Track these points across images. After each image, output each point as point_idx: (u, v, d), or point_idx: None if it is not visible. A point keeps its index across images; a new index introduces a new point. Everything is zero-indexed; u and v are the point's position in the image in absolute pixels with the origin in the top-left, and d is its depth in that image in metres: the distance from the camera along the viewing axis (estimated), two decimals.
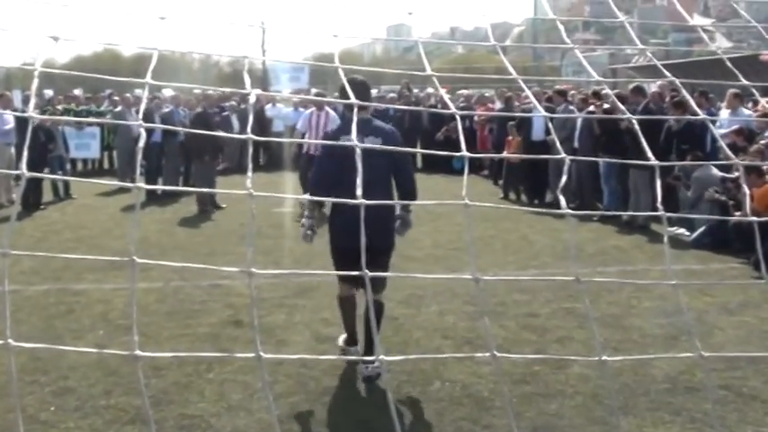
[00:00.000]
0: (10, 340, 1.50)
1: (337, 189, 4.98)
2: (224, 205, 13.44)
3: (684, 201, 11.12)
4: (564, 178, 1.99)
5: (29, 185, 13.34)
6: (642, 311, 7.18)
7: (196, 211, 13.02)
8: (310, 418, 4.91)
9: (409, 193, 5.59)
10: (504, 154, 14.56)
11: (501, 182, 15.54)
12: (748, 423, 4.80)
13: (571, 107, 13.63)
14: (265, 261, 8.61)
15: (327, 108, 12.43)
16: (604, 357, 1.79)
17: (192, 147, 14.00)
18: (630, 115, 2.24)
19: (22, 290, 7.70)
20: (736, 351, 6.00)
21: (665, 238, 2.22)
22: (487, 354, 1.74)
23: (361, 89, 5.21)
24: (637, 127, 2.20)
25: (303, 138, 12.40)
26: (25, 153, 1.78)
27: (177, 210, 13.59)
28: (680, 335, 6.41)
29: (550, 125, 2.47)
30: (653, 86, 13.25)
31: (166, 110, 15.42)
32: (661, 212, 1.99)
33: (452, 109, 2.24)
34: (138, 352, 1.59)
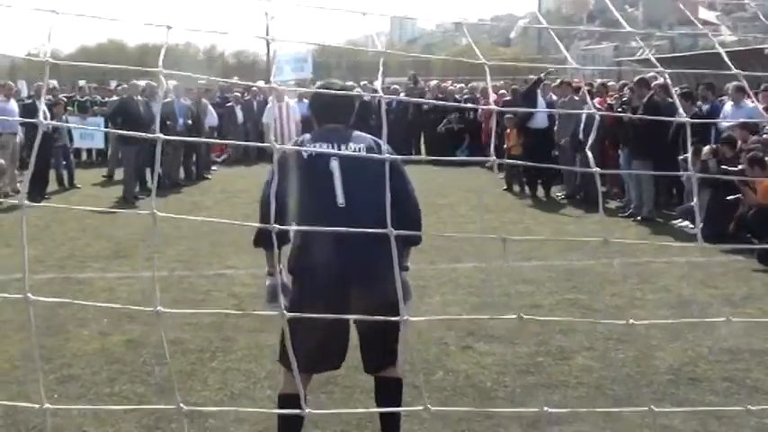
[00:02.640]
0: (29, 294, 1.52)
1: (302, 220, 3.66)
2: (142, 196, 13.71)
3: (688, 192, 11.11)
4: (593, 135, 1.99)
5: (35, 175, 13.38)
6: (646, 303, 7.17)
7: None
8: (313, 408, 4.91)
9: (415, 222, 3.85)
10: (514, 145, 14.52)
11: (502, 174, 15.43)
12: (751, 415, 4.79)
13: (576, 98, 13.59)
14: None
15: (287, 98, 12.74)
16: (632, 321, 1.81)
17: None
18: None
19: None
20: (739, 343, 5.99)
21: (695, 203, 2.21)
22: (514, 316, 1.75)
23: (342, 98, 3.99)
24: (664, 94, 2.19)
25: (269, 130, 12.92)
26: (38, 138, 1.80)
27: (180, 199, 13.62)
28: (684, 327, 6.40)
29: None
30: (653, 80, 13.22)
31: (167, 100, 15.40)
32: (691, 173, 1.99)
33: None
34: (159, 308, 1.58)
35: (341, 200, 3.70)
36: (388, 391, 4.00)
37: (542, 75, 14.17)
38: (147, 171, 14.54)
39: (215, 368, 5.53)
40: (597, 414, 4.76)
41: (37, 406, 1.66)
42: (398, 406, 4.00)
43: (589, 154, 2.13)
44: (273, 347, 5.70)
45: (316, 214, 3.69)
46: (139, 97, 14.69)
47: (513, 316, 1.79)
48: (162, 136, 1.68)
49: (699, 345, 6.00)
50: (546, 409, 1.72)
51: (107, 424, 4.65)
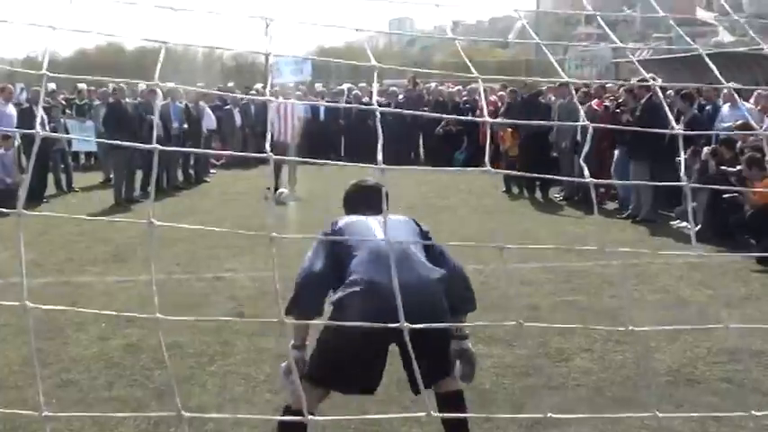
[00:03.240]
0: (27, 302, 1.53)
1: (355, 279, 3.72)
2: (141, 199, 13.84)
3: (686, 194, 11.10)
4: (587, 146, 2.00)
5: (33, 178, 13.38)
6: (645, 304, 7.16)
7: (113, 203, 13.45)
8: (313, 412, 4.90)
9: (469, 290, 4.09)
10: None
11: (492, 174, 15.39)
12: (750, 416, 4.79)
13: (574, 100, 13.59)
14: (268, 253, 8.58)
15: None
16: (631, 327, 1.82)
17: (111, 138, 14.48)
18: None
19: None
20: (738, 344, 5.99)
21: (689, 210, 2.21)
22: (514, 322, 1.79)
23: (376, 195, 3.83)
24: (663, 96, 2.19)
25: (272, 127, 12.97)
26: (36, 146, 1.80)
27: (178, 202, 13.62)
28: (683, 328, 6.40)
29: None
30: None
31: (163, 102, 15.36)
32: (684, 183, 1.98)
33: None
34: (158, 315, 1.58)
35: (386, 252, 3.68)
36: (449, 407, 3.88)
37: (544, 88, 14.24)
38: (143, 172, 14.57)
39: (214, 372, 5.52)
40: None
41: (36, 413, 1.66)
42: (462, 418, 3.86)
43: (584, 165, 2.12)
44: (273, 352, 5.71)
45: (362, 257, 3.76)
46: (128, 99, 14.72)
47: (513, 322, 1.80)
48: (159, 147, 1.67)
49: (697, 346, 6.00)
50: (549, 414, 1.71)
51: (105, 429, 4.65)
